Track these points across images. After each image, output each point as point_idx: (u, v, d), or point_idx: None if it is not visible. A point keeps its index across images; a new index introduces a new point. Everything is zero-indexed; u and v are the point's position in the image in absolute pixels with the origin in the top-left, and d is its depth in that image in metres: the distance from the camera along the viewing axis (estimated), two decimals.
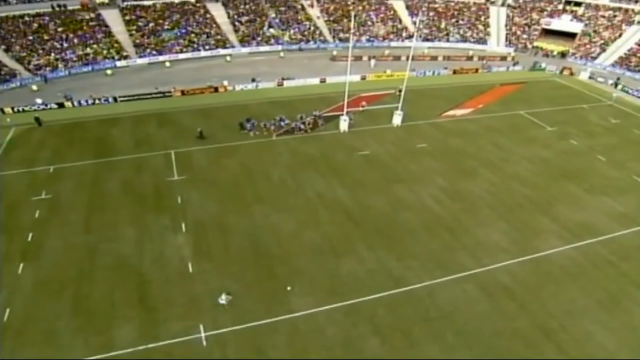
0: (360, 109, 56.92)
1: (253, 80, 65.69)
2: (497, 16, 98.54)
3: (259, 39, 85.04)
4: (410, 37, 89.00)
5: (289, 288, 30.25)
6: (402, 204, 39.38)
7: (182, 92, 61.70)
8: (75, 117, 53.99)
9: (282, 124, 52.22)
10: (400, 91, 54.76)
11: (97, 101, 58.46)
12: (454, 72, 76.78)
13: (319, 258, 33.01)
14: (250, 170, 43.82)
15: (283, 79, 66.87)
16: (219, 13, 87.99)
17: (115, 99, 59.09)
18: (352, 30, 55.36)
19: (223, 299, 28.91)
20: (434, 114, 58.09)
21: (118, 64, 73.32)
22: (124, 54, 75.10)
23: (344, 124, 51.24)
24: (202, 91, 62.67)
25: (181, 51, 78.08)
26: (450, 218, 37.89)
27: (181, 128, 51.60)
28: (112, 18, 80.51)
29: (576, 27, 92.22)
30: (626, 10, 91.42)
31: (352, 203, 39.29)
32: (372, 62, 79.45)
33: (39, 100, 56.76)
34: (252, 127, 50.92)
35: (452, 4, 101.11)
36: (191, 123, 52.87)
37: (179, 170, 43.39)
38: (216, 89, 63.47)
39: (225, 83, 64.22)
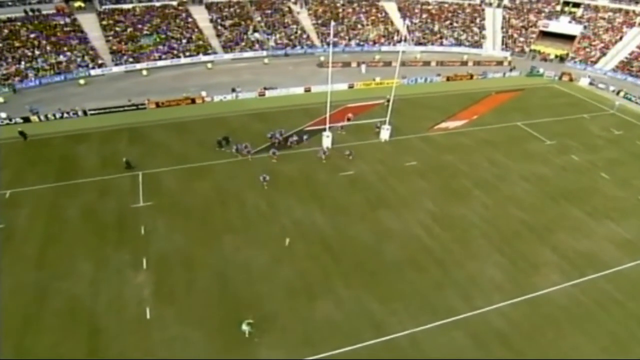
0: (346, 122, 53.58)
1: (233, 90, 62.38)
2: (493, 18, 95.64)
3: (243, 44, 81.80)
4: (399, 41, 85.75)
5: (256, 340, 27.13)
6: (387, 234, 36.24)
7: (157, 104, 58.38)
8: (41, 133, 50.60)
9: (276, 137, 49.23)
10: (388, 101, 51.74)
11: (65, 115, 55.12)
12: (448, 78, 73.70)
13: (292, 300, 29.91)
14: (224, 194, 40.67)
15: (265, 89, 63.62)
16: (201, 17, 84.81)
17: (85, 113, 55.81)
18: (331, 34, 52.18)
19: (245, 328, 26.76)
20: (425, 126, 54.93)
21: (92, 72, 70.03)
22: (100, 61, 71.76)
23: (326, 140, 47.99)
24: (178, 103, 59.36)
25: (160, 58, 74.77)
26: (439, 249, 34.79)
27: (153, 145, 48.48)
28: (89, 23, 77.30)
29: (575, 29, 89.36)
30: (627, 12, 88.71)
31: (332, 233, 36.13)
32: (363, 67, 76.44)
33: (3, 115, 53.50)
34: (239, 149, 46.61)
35: (446, 5, 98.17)
36: (165, 139, 49.94)
37: (145, 194, 40.22)
38: (193, 101, 60.16)
39: (204, 94, 60.95)
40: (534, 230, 37.47)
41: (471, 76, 75.42)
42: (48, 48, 70.83)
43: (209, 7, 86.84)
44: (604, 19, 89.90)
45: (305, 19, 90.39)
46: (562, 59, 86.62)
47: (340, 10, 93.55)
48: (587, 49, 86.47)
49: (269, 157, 45.99)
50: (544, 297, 30.90)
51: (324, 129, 48.23)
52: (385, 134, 49.99)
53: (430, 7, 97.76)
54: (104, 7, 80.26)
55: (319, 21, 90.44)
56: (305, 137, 49.94)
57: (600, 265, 33.86)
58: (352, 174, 44.12)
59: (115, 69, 71.83)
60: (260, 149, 47.72)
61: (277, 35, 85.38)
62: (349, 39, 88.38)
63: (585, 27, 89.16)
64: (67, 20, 76.16)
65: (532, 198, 41.81)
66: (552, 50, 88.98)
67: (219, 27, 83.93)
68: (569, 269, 33.33)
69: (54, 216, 37.51)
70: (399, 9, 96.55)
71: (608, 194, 43.07)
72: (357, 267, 32.75)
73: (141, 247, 34.10)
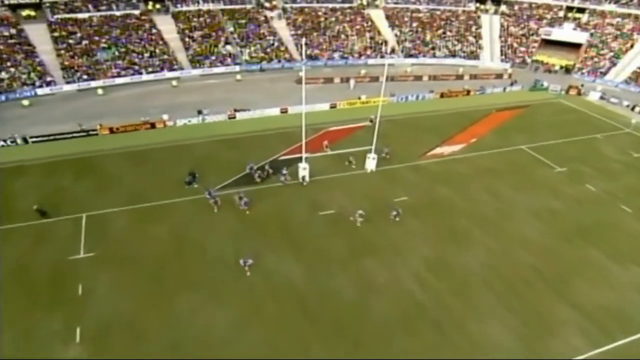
0: (327, 150, 50.37)
1: (199, 112, 59.05)
2: (490, 26, 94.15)
3: (213, 58, 78.79)
4: (384, 54, 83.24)
5: None
6: (374, 288, 32.78)
7: (111, 130, 54.83)
8: None
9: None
10: (371, 121, 48.74)
11: (1, 143, 51.34)
12: (442, 95, 71.28)
13: None
14: (183, 240, 37.10)
15: (236, 110, 60.42)
16: (167, 28, 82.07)
17: (25, 140, 52.11)
18: (303, 47, 49.18)
19: None
20: (417, 152, 51.93)
21: (39, 91, 66.72)
22: (48, 79, 68.26)
23: (303, 172, 44.68)
24: (135, 128, 55.87)
25: (118, 75, 71.48)
26: (436, 307, 31.44)
27: (103, 179, 44.98)
28: (38, 34, 74.20)
29: (580, 37, 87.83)
30: (636, 17, 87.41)
31: (309, 288, 32.62)
32: (352, 82, 74.46)
33: None
34: (215, 201, 41.14)
35: (438, 12, 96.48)
36: (118, 172, 46.57)
37: (88, 242, 36.54)
38: (153, 125, 56.71)
39: (165, 117, 57.56)
40: (547, 279, 34.30)
41: (468, 92, 73.13)
42: None
43: (176, 16, 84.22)
44: (611, 25, 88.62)
45: (283, 29, 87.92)
46: (567, 70, 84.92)
47: (322, 19, 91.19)
48: (596, 59, 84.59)
49: (241, 208, 41.14)
50: None
51: (301, 159, 44.95)
52: (371, 163, 46.88)
53: (421, 15, 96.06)
54: (56, 16, 77.03)
55: (299, 32, 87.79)
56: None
57: (630, 327, 30.48)
58: (334, 212, 40.78)
59: (67, 87, 68.62)
60: (228, 183, 44.29)
61: (252, 48, 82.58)
62: (332, 51, 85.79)
63: (591, 35, 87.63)
64: (12, 31, 72.60)
65: (543, 239, 38.76)
66: (556, 60, 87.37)
67: (187, 39, 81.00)
68: (593, 332, 29.99)
69: None
70: (387, 17, 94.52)
71: (632, 231, 40.22)
72: (338, 332, 29.30)
73: (76, 312, 30.37)
